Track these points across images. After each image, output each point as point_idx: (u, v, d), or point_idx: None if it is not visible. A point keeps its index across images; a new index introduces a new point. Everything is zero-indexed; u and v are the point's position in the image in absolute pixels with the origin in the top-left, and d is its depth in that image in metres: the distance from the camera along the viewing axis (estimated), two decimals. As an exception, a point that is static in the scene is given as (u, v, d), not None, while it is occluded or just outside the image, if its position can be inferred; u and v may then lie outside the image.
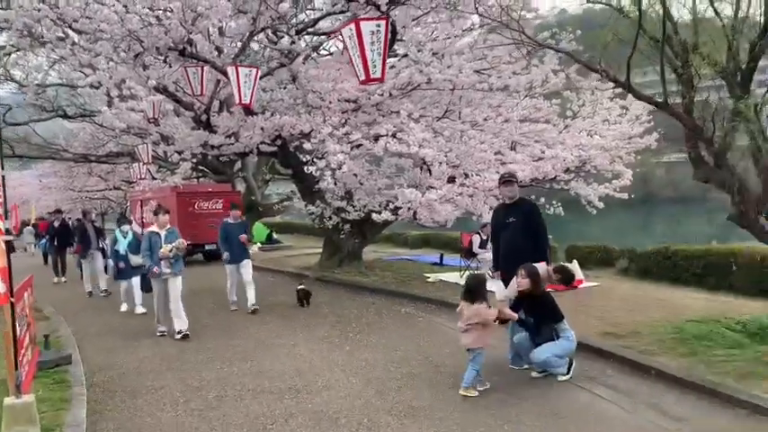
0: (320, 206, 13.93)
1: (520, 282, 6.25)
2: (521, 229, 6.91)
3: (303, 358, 7.44)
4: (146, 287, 10.51)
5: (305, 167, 14.09)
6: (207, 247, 18.76)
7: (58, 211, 17.06)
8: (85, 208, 19.79)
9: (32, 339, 6.60)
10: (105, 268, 12.97)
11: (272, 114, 11.50)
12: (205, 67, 10.06)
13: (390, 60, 13.49)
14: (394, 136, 10.04)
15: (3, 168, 4.97)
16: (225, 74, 11.24)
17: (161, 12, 9.47)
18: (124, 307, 11.24)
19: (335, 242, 14.77)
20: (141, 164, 16.85)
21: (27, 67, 17.45)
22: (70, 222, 18.85)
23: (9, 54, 16.80)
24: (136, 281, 10.94)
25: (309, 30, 13.18)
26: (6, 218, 5.00)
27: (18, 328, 5.46)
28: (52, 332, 9.14)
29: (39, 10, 8.76)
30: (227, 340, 8.50)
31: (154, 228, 8.87)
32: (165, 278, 8.73)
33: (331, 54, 14.72)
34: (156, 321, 9.04)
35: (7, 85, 19.14)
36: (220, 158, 24.49)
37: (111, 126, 25.00)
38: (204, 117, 12.95)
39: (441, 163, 10.36)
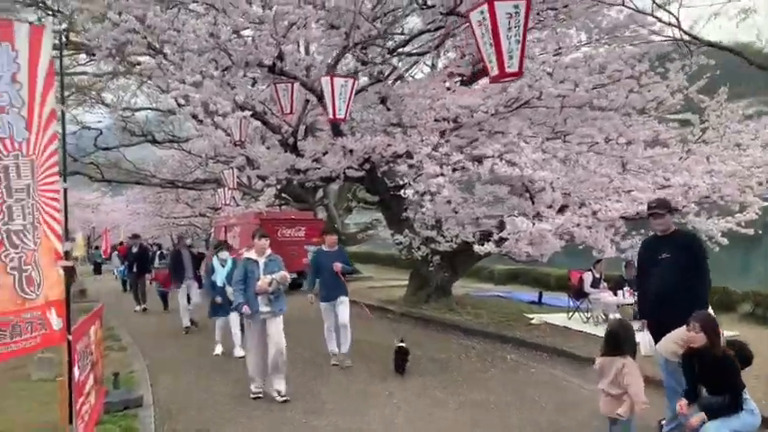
0: (408, 236, 12.80)
1: (691, 336, 4.81)
2: (676, 268, 5.52)
3: (402, 417, 6.23)
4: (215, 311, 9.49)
5: (394, 193, 13.13)
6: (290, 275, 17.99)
7: (136, 236, 16.24)
8: (180, 233, 19.46)
9: (98, 380, 5.74)
10: (188, 299, 11.81)
11: (361, 135, 10.55)
12: (295, 85, 9.26)
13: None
14: (500, 157, 8.81)
15: (65, 181, 4.11)
16: (314, 92, 10.45)
17: (252, 24, 8.78)
18: (218, 349, 9.45)
19: (423, 275, 13.56)
20: (226, 189, 16.39)
21: (117, 92, 17.50)
22: (156, 248, 18.56)
23: (101, 77, 16.98)
24: (235, 318, 9.17)
25: (400, 50, 12.30)
26: (66, 238, 4.13)
27: (78, 371, 4.56)
28: (126, 366, 8.38)
29: (126, 21, 8.21)
30: (310, 386, 7.42)
31: (251, 254, 7.12)
32: (263, 318, 6.89)
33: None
34: (249, 377, 7.08)
35: (98, 108, 19.36)
36: (304, 185, 24.12)
37: (199, 152, 25.19)
38: (291, 140, 12.23)
39: (553, 189, 9.01)
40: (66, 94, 19.01)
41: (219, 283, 9.44)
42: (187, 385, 7.61)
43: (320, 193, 26.14)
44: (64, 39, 16.93)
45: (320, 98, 10.57)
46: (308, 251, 18.22)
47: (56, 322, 4.09)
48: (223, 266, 9.58)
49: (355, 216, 29.92)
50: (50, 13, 16.76)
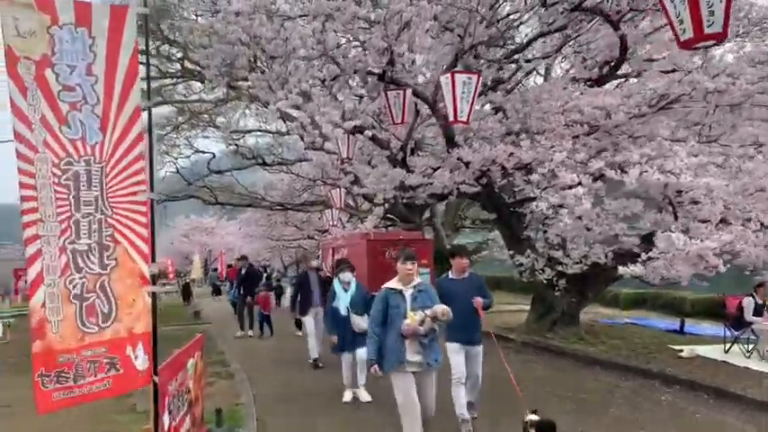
0: (531, 256, 11.53)
1: None
2: None
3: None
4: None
5: (514, 209, 11.96)
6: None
7: (244, 258, 15.53)
8: (305, 252, 18.80)
9: (197, 421, 5.04)
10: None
11: (479, 146, 9.53)
12: (407, 92, 8.44)
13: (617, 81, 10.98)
14: (647, 163, 7.45)
15: (152, 190, 3.42)
16: (426, 101, 9.61)
17: (361, 29, 8.10)
18: (348, 396, 7.66)
19: (548, 300, 12.19)
20: (333, 210, 15.91)
21: (227, 114, 17.65)
22: (263, 270, 18.33)
23: (215, 104, 17.21)
24: (362, 353, 7.12)
25: (516, 56, 11.22)
26: (153, 260, 3.43)
27: (169, 418, 3.83)
28: (232, 397, 7.78)
29: (232, 32, 7.76)
30: None
31: (393, 283, 5.46)
32: (412, 371, 5.14)
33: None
34: None
35: (211, 132, 19.71)
36: (410, 205, 23.40)
37: (306, 175, 25.23)
38: (400, 156, 11.43)
39: (713, 201, 7.51)
40: (181, 119, 19.59)
41: (343, 311, 7.67)
42: (305, 427, 6.79)
43: (427, 212, 25.30)
44: (176, 61, 17.53)
45: (433, 107, 9.73)
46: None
47: (141, 360, 3.38)
48: (346, 291, 7.82)
49: (462, 236, 28.74)
50: (167, 42, 17.24)
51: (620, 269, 8.03)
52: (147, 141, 3.47)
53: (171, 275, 39.49)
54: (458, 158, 9.92)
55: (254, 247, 42.41)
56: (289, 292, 13.87)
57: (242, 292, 14.52)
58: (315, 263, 11.88)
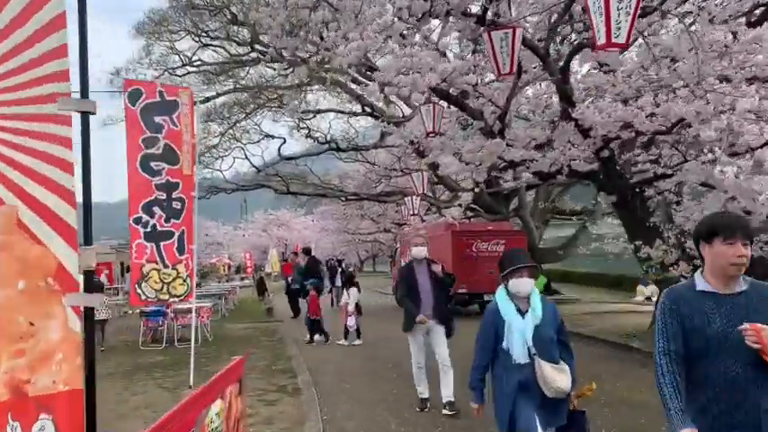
0: (661, 248, 9.20)
1: None
2: None
3: None
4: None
5: (639, 189, 9.66)
6: (486, 297, 15.11)
7: (307, 251, 13.83)
8: (405, 233, 16.82)
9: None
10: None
11: (624, 102, 7.36)
12: (517, 32, 6.40)
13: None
14: None
15: (85, 96, 1.60)
16: (536, 50, 7.53)
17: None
18: None
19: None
20: (414, 197, 14.02)
21: (299, 96, 16.14)
22: (336, 263, 16.68)
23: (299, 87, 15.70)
24: None
25: None
26: (89, 241, 1.62)
27: None
28: (295, 423, 6.06)
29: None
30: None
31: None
32: None
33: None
34: None
35: (282, 117, 18.32)
36: (497, 193, 21.20)
37: (382, 164, 23.50)
38: (497, 126, 9.37)
39: None
40: (252, 105, 18.26)
41: (521, 357, 3.71)
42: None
43: (514, 202, 22.97)
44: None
45: (544, 58, 7.63)
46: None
47: None
48: (523, 315, 3.79)
49: (552, 229, 26.16)
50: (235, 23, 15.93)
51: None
52: None
53: (249, 270, 38.93)
54: (575, 125, 7.77)
55: (330, 240, 41.30)
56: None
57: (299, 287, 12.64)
58: (422, 250, 7.21)
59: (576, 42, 7.79)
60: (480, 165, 9.63)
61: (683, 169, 6.78)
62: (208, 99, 17.55)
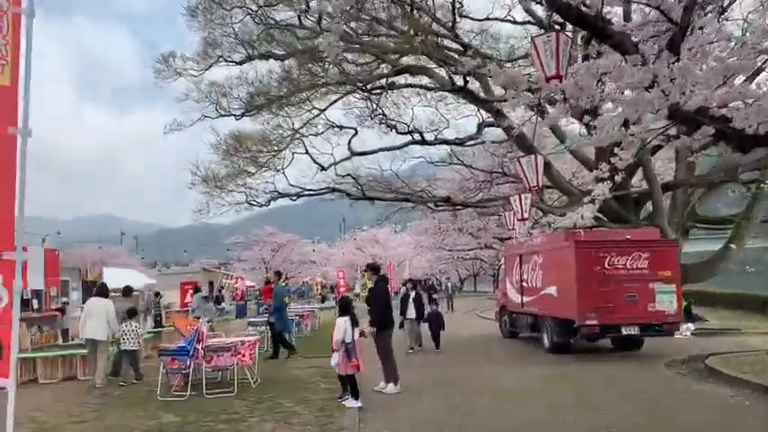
0: None
1: None
2: None
3: None
4: None
5: None
6: (624, 331, 10.99)
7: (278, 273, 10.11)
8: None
9: None
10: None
11: None
12: None
13: None
14: None
15: None
16: None
17: None
18: None
19: None
20: (522, 196, 10.31)
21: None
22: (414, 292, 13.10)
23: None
24: None
25: None
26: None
27: None
28: None
29: None
30: None
31: None
32: None
33: None
34: None
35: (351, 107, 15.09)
36: (626, 197, 16.79)
37: (483, 168, 19.80)
38: (672, 59, 5.56)
39: None
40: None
41: None
42: None
43: (646, 209, 18.40)
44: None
45: None
46: (654, 292, 11.00)
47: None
48: None
49: (692, 243, 21.10)
50: None
51: None
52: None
53: (341, 289, 36.39)
54: None
55: (426, 258, 37.96)
56: None
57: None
58: None
59: None
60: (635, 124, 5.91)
61: None
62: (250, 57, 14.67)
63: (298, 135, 16.80)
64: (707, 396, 7.72)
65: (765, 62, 5.12)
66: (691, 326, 14.62)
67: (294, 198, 18.06)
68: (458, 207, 18.23)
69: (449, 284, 29.83)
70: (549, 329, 12.17)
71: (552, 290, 12.02)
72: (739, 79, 5.09)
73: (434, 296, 17.86)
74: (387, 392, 8.41)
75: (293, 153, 17.23)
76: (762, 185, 16.00)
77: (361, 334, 8.22)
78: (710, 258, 17.79)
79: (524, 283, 13.82)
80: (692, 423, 6.55)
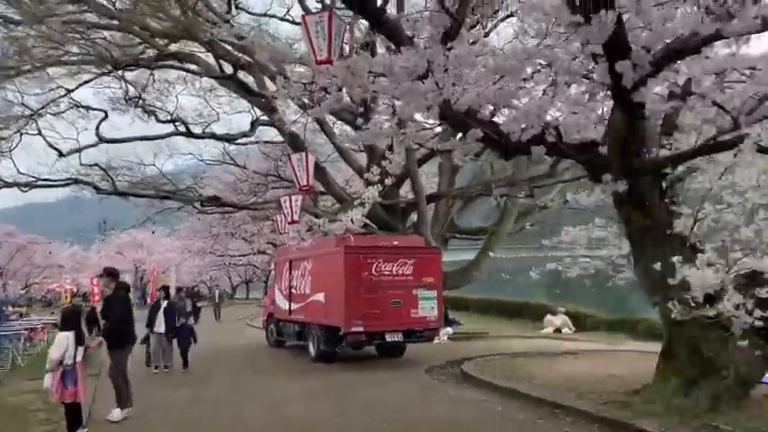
0: (699, 271, 5.53)
1: None
2: None
3: None
4: None
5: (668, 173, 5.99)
6: (388, 338, 10.92)
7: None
8: None
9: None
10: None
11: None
12: None
13: None
14: None
15: None
16: None
17: None
18: None
19: (712, 355, 6.20)
20: (292, 197, 9.62)
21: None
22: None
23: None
24: None
25: None
26: None
27: None
28: None
29: None
30: None
31: None
32: None
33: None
34: None
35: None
36: (392, 207, 17.24)
37: (257, 170, 18.73)
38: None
39: None
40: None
41: None
42: None
43: (411, 218, 19.17)
44: None
45: None
46: (418, 298, 11.14)
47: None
48: None
49: (451, 252, 22.65)
50: None
51: None
52: None
53: (95, 298, 31.99)
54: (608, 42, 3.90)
55: (196, 264, 35.39)
56: None
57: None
58: None
59: None
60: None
61: None
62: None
63: (34, 115, 13.78)
64: (462, 401, 7.78)
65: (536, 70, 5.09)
66: (449, 330, 15.37)
67: (25, 189, 14.75)
68: (228, 208, 16.92)
69: (216, 291, 28.03)
70: (315, 338, 11.67)
71: (320, 296, 11.54)
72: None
73: (198, 304, 16.26)
74: (112, 419, 6.92)
75: (21, 134, 14.07)
76: (511, 200, 17.66)
77: (86, 348, 6.68)
78: (466, 266, 19.22)
79: (293, 290, 13.16)
80: (447, 430, 6.51)
